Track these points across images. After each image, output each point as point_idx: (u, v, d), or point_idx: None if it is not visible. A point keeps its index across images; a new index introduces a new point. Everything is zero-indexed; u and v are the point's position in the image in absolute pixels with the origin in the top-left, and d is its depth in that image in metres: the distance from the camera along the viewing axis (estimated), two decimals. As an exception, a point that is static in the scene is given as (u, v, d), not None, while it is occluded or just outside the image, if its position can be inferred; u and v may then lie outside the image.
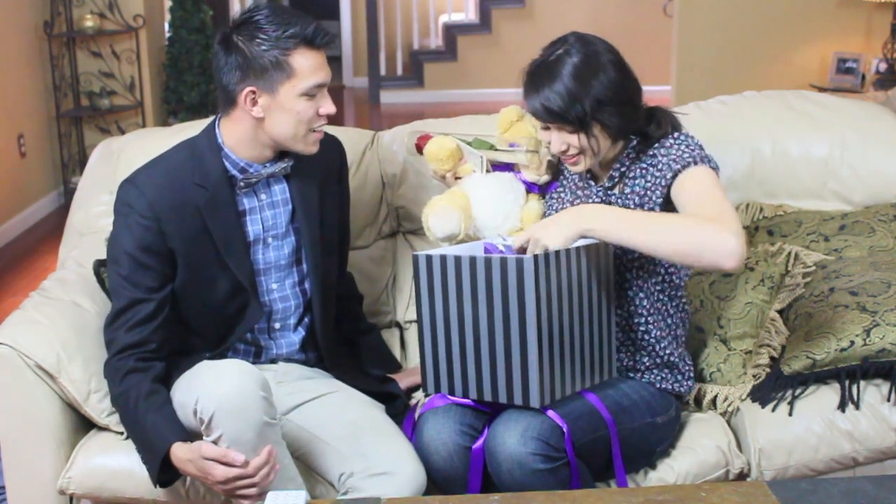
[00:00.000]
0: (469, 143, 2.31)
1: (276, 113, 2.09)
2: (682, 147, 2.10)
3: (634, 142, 2.16)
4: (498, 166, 2.32)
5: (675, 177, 2.07)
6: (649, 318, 2.17)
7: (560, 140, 2.10)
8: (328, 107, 2.12)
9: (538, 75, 2.09)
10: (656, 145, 2.14)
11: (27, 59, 5.59)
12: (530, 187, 2.31)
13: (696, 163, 2.06)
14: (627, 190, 2.16)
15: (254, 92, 2.08)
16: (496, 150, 2.30)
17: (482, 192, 2.27)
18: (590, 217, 1.99)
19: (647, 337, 2.18)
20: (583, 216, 2.00)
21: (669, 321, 2.20)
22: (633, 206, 2.13)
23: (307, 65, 2.08)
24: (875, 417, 2.24)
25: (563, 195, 2.28)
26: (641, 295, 2.17)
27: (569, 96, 2.04)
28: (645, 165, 2.14)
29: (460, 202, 2.25)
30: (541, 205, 2.31)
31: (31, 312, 2.27)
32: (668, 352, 2.20)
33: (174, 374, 2.12)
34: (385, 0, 8.94)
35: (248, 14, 2.10)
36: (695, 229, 1.93)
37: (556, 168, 2.33)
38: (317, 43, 2.09)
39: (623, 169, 2.17)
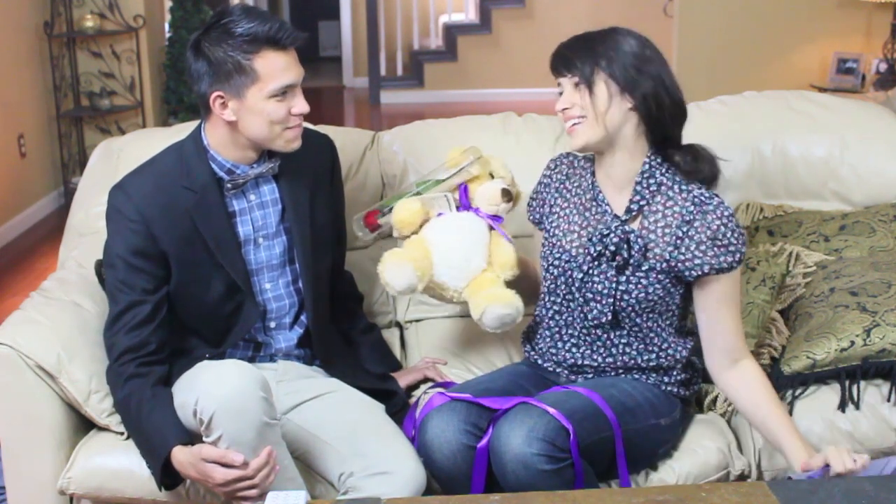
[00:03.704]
0: (419, 193, 2.28)
1: (246, 115, 2.08)
2: (728, 235, 2.05)
3: (651, 162, 2.11)
4: (465, 203, 2.30)
5: (708, 274, 2.06)
6: (660, 353, 2.17)
7: (566, 97, 2.09)
8: (300, 106, 2.09)
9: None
10: (696, 201, 2.08)
11: (27, 59, 5.58)
12: (495, 221, 2.28)
13: (734, 267, 2.06)
14: (651, 244, 2.09)
15: (222, 97, 2.07)
16: (444, 180, 2.29)
17: (440, 237, 2.24)
18: None
19: (655, 366, 2.19)
20: None
21: (678, 355, 2.19)
22: (657, 269, 2.09)
23: (272, 67, 2.04)
24: (875, 417, 2.24)
25: (570, 215, 2.21)
26: (651, 334, 2.16)
27: (583, 40, 2.10)
28: (679, 234, 2.07)
29: (413, 252, 2.21)
30: (509, 243, 2.27)
31: (32, 312, 2.27)
32: (678, 378, 2.20)
33: (174, 374, 2.13)
34: (385, 0, 8.94)
35: (216, 17, 2.08)
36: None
37: (511, 196, 2.30)
38: (282, 43, 2.05)
39: (643, 202, 2.11)
